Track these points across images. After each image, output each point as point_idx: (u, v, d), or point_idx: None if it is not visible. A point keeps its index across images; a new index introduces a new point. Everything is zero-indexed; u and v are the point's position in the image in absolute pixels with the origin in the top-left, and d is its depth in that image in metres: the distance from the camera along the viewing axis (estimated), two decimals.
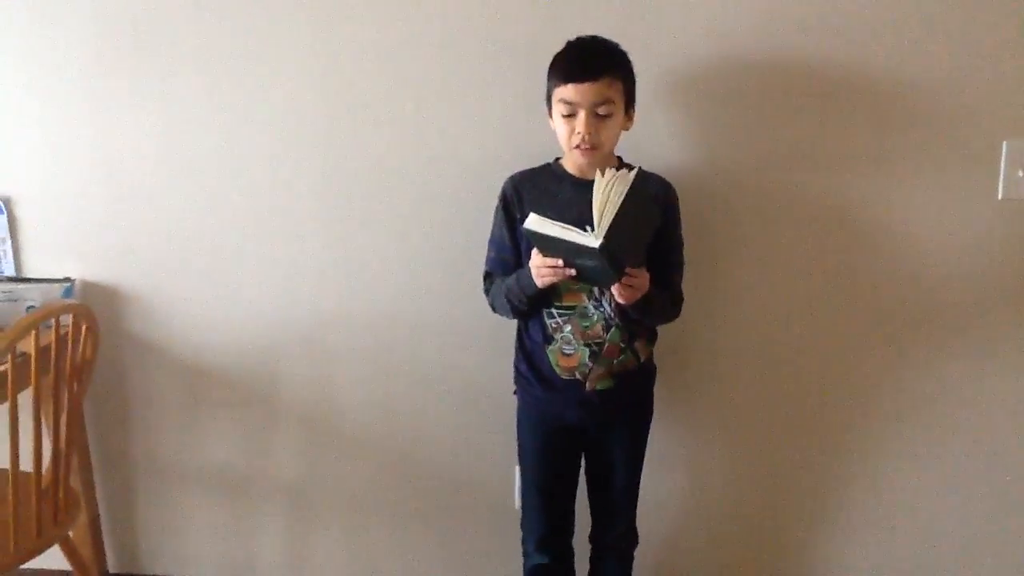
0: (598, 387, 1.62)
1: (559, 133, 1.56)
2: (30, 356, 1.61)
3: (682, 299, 1.69)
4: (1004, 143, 1.73)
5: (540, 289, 1.53)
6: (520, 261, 1.60)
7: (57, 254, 2.02)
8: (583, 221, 1.36)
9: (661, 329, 1.73)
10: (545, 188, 1.62)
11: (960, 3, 1.68)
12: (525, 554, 1.80)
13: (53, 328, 1.63)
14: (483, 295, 1.72)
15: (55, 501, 1.71)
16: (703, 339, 1.89)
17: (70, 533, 1.84)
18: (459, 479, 2.04)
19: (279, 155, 1.91)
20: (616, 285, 1.47)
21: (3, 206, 2.00)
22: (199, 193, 1.95)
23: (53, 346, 1.63)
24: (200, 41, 1.88)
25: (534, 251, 1.52)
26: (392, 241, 1.92)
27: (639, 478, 1.77)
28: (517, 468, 1.94)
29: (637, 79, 1.59)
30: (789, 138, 1.78)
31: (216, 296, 2.00)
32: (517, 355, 1.72)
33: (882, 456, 1.93)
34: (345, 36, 1.84)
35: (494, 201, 1.68)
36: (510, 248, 1.65)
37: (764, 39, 1.73)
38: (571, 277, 1.48)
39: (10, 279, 2.01)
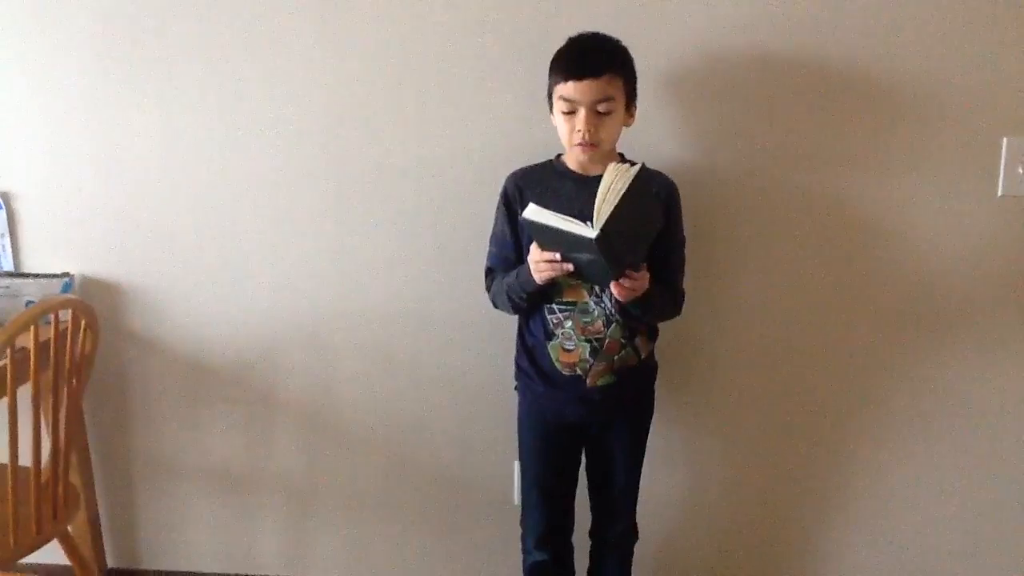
0: (599, 383, 1.62)
1: (560, 130, 1.56)
2: (29, 351, 1.60)
3: (683, 296, 1.69)
4: (1004, 140, 1.73)
5: (540, 285, 1.53)
6: (521, 257, 1.60)
7: (56, 249, 2.01)
8: (584, 217, 1.36)
9: (662, 326, 1.73)
10: (547, 185, 1.62)
11: (960, 1, 1.68)
12: (525, 550, 1.80)
13: (52, 323, 1.62)
14: (484, 291, 1.72)
15: (54, 497, 1.70)
16: (704, 336, 1.89)
17: (69, 529, 1.84)
18: (459, 475, 2.04)
19: (280, 152, 1.91)
20: (614, 283, 1.48)
21: (2, 202, 2.00)
22: (199, 189, 1.95)
23: (52, 341, 1.63)
24: (200, 38, 1.87)
25: (532, 246, 1.52)
26: (393, 237, 1.92)
27: (639, 475, 1.77)
28: (516, 464, 1.94)
29: (639, 76, 1.59)
30: (789, 136, 1.78)
31: (216, 292, 2.00)
32: (518, 351, 1.72)
33: (881, 454, 1.93)
34: (346, 32, 1.83)
35: (495, 198, 1.68)
36: (511, 244, 1.65)
37: (764, 37, 1.73)
38: (569, 273, 1.49)
39: (9, 274, 2.00)
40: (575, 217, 1.37)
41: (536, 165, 1.68)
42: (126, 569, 2.21)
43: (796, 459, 1.96)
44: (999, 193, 1.76)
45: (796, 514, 2.00)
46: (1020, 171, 1.74)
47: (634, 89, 1.58)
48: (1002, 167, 1.74)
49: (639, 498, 1.79)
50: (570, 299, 1.60)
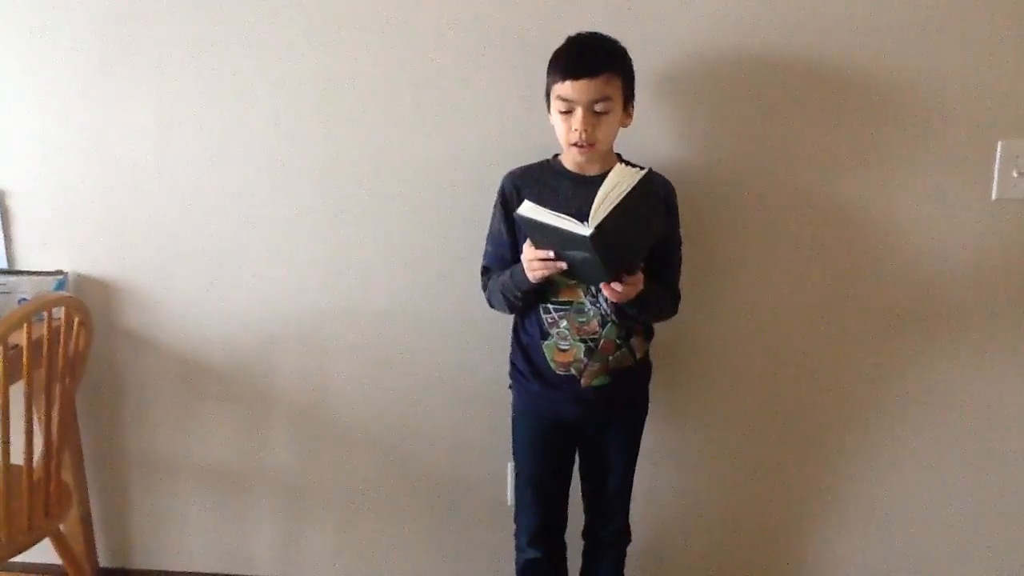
0: (594, 383, 1.62)
1: (557, 130, 1.56)
2: (22, 349, 1.60)
3: (679, 297, 1.69)
4: (999, 143, 1.74)
5: (534, 284, 1.53)
6: (517, 257, 1.60)
7: (50, 247, 2.00)
8: (581, 217, 1.36)
9: (657, 326, 1.73)
10: (544, 184, 1.61)
11: (956, 3, 1.69)
12: (518, 548, 1.80)
13: (45, 321, 1.62)
14: (479, 291, 1.72)
15: (46, 494, 1.70)
16: (699, 337, 1.90)
17: (61, 527, 1.83)
18: (453, 474, 2.04)
19: (275, 150, 1.90)
20: (604, 286, 1.48)
21: None
22: (194, 187, 1.95)
23: (45, 339, 1.62)
24: (196, 35, 1.87)
25: (526, 244, 1.52)
26: (389, 236, 1.92)
27: (633, 475, 1.77)
28: (510, 463, 1.94)
29: (636, 76, 1.59)
30: (784, 137, 1.78)
31: (210, 290, 1.99)
32: (513, 350, 1.72)
33: (875, 454, 1.94)
34: (342, 30, 1.83)
35: (492, 197, 1.68)
36: (507, 243, 1.65)
37: (761, 38, 1.73)
38: (562, 272, 1.49)
39: (2, 272, 1.99)
40: (572, 216, 1.37)
41: (533, 164, 1.67)
42: (118, 568, 2.20)
43: (790, 460, 1.96)
44: (994, 196, 1.76)
45: (789, 515, 2.00)
46: (1015, 175, 1.74)
47: (632, 89, 1.58)
48: (996, 170, 1.75)
49: (632, 498, 1.79)
50: (566, 299, 1.59)
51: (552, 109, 1.56)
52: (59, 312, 1.68)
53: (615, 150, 1.63)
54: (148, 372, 2.06)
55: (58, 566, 1.90)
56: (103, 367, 2.05)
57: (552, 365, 1.62)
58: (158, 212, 1.97)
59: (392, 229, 1.91)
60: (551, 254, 1.46)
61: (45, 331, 1.62)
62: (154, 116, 1.92)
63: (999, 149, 1.74)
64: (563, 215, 1.37)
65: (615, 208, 1.33)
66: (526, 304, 1.62)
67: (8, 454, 1.59)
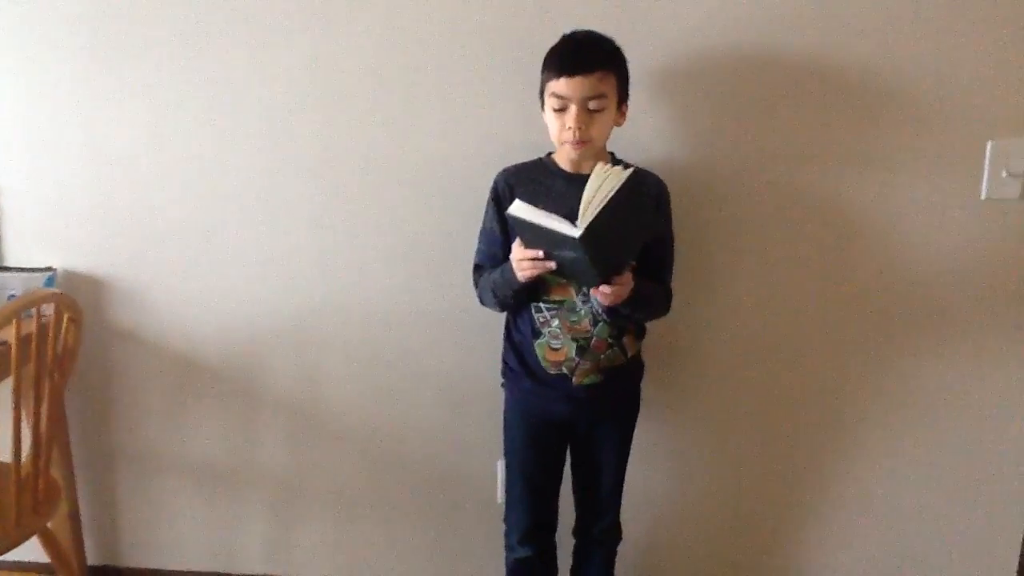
0: (585, 382, 1.62)
1: (551, 127, 1.56)
2: (11, 345, 1.59)
3: (671, 295, 1.70)
4: (988, 143, 1.75)
5: (523, 283, 1.53)
6: (509, 254, 1.60)
7: (40, 243, 1.99)
8: (574, 215, 1.36)
9: (650, 325, 1.73)
10: (537, 182, 1.61)
11: (946, 3, 1.70)
12: (508, 547, 1.80)
13: (35, 317, 1.61)
14: (471, 288, 1.72)
15: (35, 491, 1.69)
16: (691, 336, 1.90)
17: (49, 525, 1.82)
18: (444, 472, 2.04)
19: (267, 147, 1.90)
20: (595, 290, 1.48)
21: None
22: (185, 184, 1.94)
23: (34, 335, 1.61)
24: (188, 33, 1.86)
25: (515, 244, 1.52)
26: (380, 233, 1.92)
27: (624, 473, 1.77)
28: (500, 462, 1.94)
29: (631, 74, 1.59)
30: (777, 136, 1.79)
31: (201, 287, 1.99)
32: (505, 348, 1.72)
33: (867, 453, 1.95)
34: (335, 28, 1.82)
35: (485, 195, 1.68)
36: (500, 241, 1.65)
37: (754, 37, 1.74)
38: (552, 271, 1.49)
39: None
40: (564, 215, 1.37)
41: (527, 163, 1.67)
42: (107, 566, 2.19)
43: (782, 459, 1.97)
44: (983, 196, 1.77)
45: (781, 514, 2.01)
46: (1004, 175, 1.75)
47: (626, 88, 1.58)
48: (986, 170, 1.76)
49: (623, 497, 1.79)
50: (557, 297, 1.60)
51: (546, 106, 1.56)
52: (49, 308, 1.67)
53: (609, 148, 1.64)
54: (138, 369, 2.05)
55: (46, 564, 1.89)
56: (93, 364, 2.04)
57: (544, 364, 1.62)
58: (149, 209, 1.96)
59: (385, 226, 1.91)
60: (540, 254, 1.47)
61: (34, 327, 1.61)
62: (145, 113, 1.91)
63: (988, 149, 1.75)
64: (553, 215, 1.37)
65: (603, 208, 1.33)
66: (517, 303, 1.62)
67: None
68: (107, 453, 2.12)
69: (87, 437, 2.11)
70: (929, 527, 1.97)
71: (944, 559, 1.99)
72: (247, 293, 1.98)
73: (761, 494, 2.00)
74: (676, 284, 1.70)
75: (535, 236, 1.45)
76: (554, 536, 1.81)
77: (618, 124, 1.59)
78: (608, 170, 1.37)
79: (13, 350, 1.58)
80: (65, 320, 1.69)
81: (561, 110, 1.52)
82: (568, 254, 1.41)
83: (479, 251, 1.70)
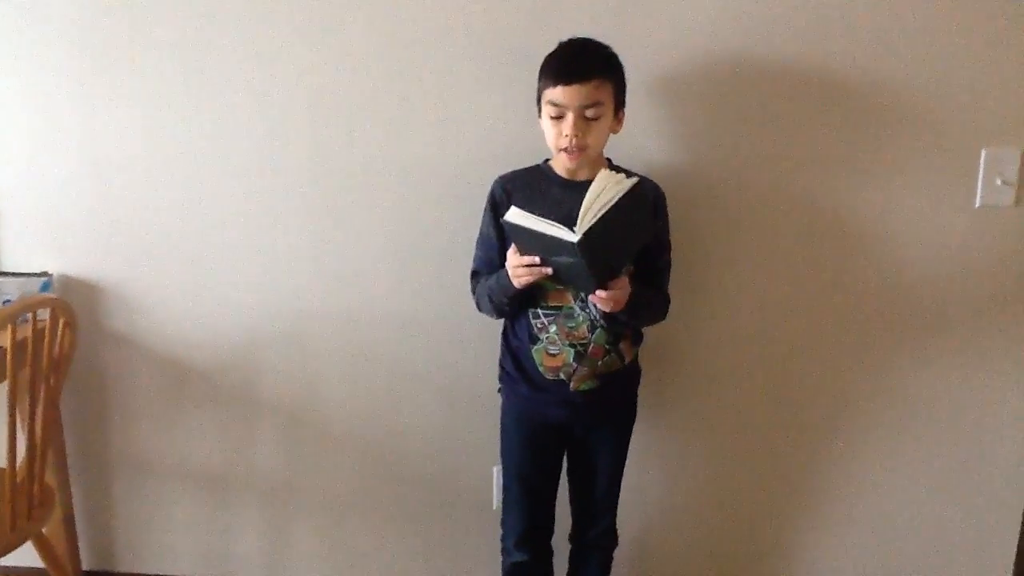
0: (582, 388, 1.62)
1: (547, 134, 1.57)
2: (6, 350, 1.59)
3: (669, 300, 1.70)
4: (983, 151, 1.76)
5: (519, 289, 1.54)
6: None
7: (36, 248, 1.99)
8: (571, 221, 1.36)
9: (647, 331, 1.74)
10: (534, 189, 1.62)
11: (942, 12, 1.71)
12: (505, 552, 1.80)
13: (30, 322, 1.61)
14: (467, 294, 1.72)
15: (29, 496, 1.68)
16: (688, 341, 1.90)
17: (44, 530, 1.81)
18: (440, 477, 2.04)
19: (263, 152, 1.90)
20: (593, 296, 1.48)
21: None
22: (181, 189, 1.94)
23: (30, 340, 1.61)
24: (184, 36, 1.86)
25: (510, 250, 1.52)
26: (377, 239, 1.92)
27: (621, 478, 1.78)
28: (496, 467, 1.94)
29: (628, 81, 1.59)
30: (774, 142, 1.79)
31: (197, 292, 1.98)
32: (503, 353, 1.72)
33: (860, 457, 1.95)
34: (332, 32, 1.82)
35: (481, 200, 1.68)
36: (497, 248, 1.65)
37: (750, 45, 1.75)
38: (548, 277, 1.49)
39: None
40: (561, 221, 1.37)
41: (524, 169, 1.68)
42: (101, 571, 2.18)
43: (778, 464, 1.98)
44: (977, 204, 1.78)
45: (777, 519, 2.01)
46: (998, 182, 1.76)
47: (623, 95, 1.58)
48: (980, 178, 1.77)
49: (619, 502, 1.79)
50: (555, 304, 1.60)
51: (543, 114, 1.57)
52: (44, 313, 1.67)
53: (606, 155, 1.64)
54: (133, 374, 2.05)
55: (41, 569, 1.89)
56: (88, 369, 2.04)
57: (541, 369, 1.63)
58: (144, 214, 1.96)
59: (380, 232, 1.91)
60: (536, 260, 1.47)
61: (30, 332, 1.61)
62: (141, 118, 1.91)
63: (983, 157, 1.76)
64: (550, 221, 1.37)
65: (603, 216, 1.34)
66: (513, 309, 1.62)
67: None
68: (102, 458, 2.11)
69: (82, 442, 2.10)
70: (926, 530, 1.98)
71: (941, 562, 1.99)
72: (243, 298, 1.98)
73: (757, 498, 2.00)
74: (673, 289, 1.71)
75: (531, 242, 1.45)
76: (550, 541, 1.81)
77: (615, 131, 1.59)
78: (611, 177, 1.38)
79: (9, 355, 1.58)
80: (61, 325, 1.69)
81: (558, 118, 1.52)
82: (565, 259, 1.41)
83: (476, 258, 1.71)
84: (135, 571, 2.18)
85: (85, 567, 2.18)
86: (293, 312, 1.98)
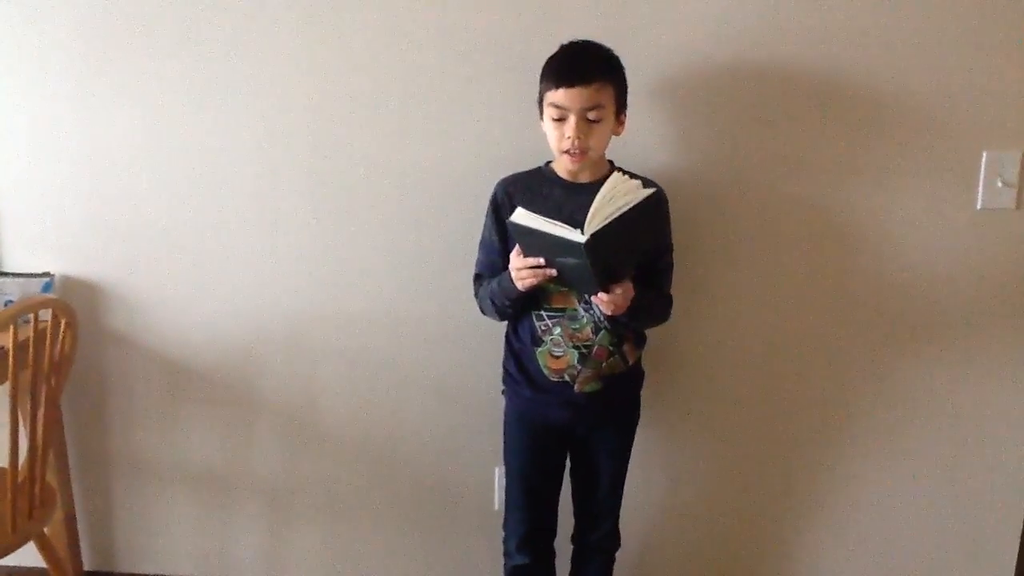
0: (587, 389, 1.62)
1: (549, 137, 1.57)
2: (8, 351, 1.59)
3: (671, 302, 1.70)
4: (983, 154, 1.76)
5: (522, 292, 1.54)
6: (509, 264, 1.61)
7: (37, 249, 1.99)
8: (573, 224, 1.37)
9: (650, 333, 1.74)
10: (536, 191, 1.62)
11: (943, 16, 1.71)
12: (506, 554, 1.80)
13: (32, 323, 1.61)
14: (469, 295, 1.72)
15: (31, 497, 1.68)
16: (691, 344, 1.91)
17: (45, 530, 1.81)
18: (441, 479, 2.04)
19: (263, 153, 1.90)
20: (596, 298, 1.48)
21: None
22: (182, 190, 1.94)
23: (31, 341, 1.61)
24: (185, 38, 1.86)
25: (513, 253, 1.52)
26: (378, 240, 1.92)
27: (623, 480, 1.78)
28: (497, 469, 1.94)
29: (629, 84, 1.59)
30: (776, 145, 1.79)
31: (197, 293, 1.99)
32: (506, 355, 1.72)
33: (862, 459, 1.95)
34: (332, 34, 1.83)
35: (483, 202, 1.68)
36: (499, 251, 1.65)
37: (752, 48, 1.75)
38: (552, 279, 1.49)
39: None
40: (563, 223, 1.37)
41: (525, 172, 1.68)
42: (102, 571, 2.19)
43: (781, 468, 1.98)
44: (978, 206, 1.78)
45: (779, 522, 2.01)
46: (999, 185, 1.76)
47: (624, 98, 1.59)
48: (981, 180, 1.77)
49: (622, 504, 1.79)
50: (559, 306, 1.60)
51: (544, 116, 1.57)
52: (46, 314, 1.67)
53: (608, 157, 1.64)
54: (134, 374, 2.05)
55: (42, 569, 1.89)
56: (89, 369, 2.04)
57: (545, 371, 1.63)
58: (145, 215, 1.96)
59: (382, 233, 1.91)
60: (541, 261, 1.47)
61: (31, 333, 1.61)
62: (142, 119, 1.91)
63: (984, 159, 1.76)
64: (556, 222, 1.38)
65: (614, 220, 1.34)
66: (516, 311, 1.62)
67: None
68: (103, 458, 2.11)
69: (83, 442, 2.10)
70: (927, 533, 1.98)
71: (942, 564, 1.99)
72: (243, 299, 1.98)
73: (759, 500, 2.00)
74: (677, 292, 1.71)
75: (536, 243, 1.45)
76: (552, 543, 1.81)
77: (616, 134, 1.59)
78: (626, 183, 1.38)
79: (10, 355, 1.58)
80: (62, 326, 1.69)
81: (560, 120, 1.53)
82: (569, 261, 1.41)
83: (478, 261, 1.71)
84: (136, 571, 2.18)
85: (86, 567, 2.18)
86: (293, 313, 1.98)
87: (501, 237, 1.64)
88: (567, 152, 1.53)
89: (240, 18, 1.84)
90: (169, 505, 2.13)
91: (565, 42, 1.58)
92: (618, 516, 1.80)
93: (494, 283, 1.61)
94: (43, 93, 1.92)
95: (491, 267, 1.67)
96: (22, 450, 1.67)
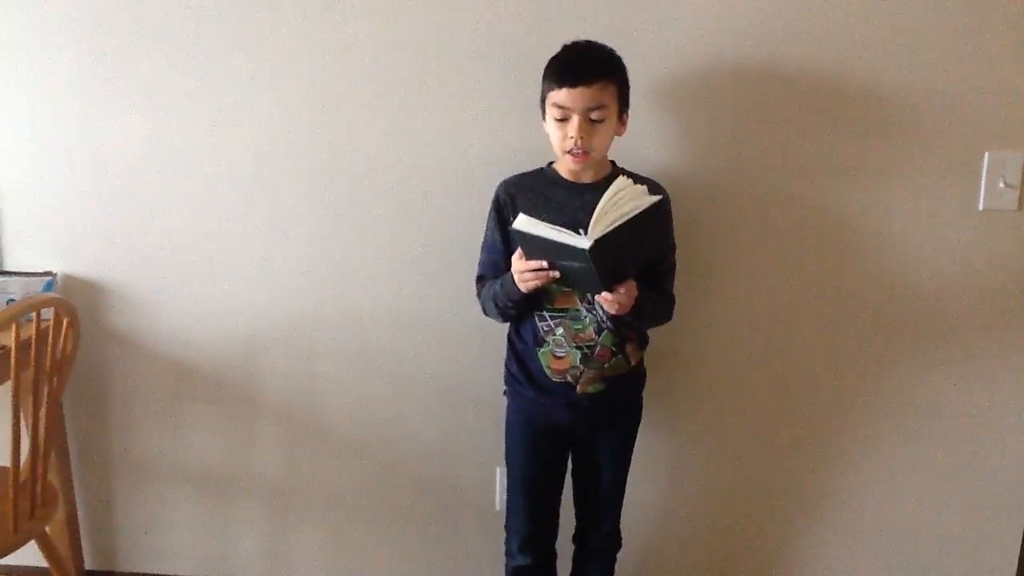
0: (589, 390, 1.62)
1: (552, 137, 1.57)
2: (10, 350, 1.59)
3: (674, 302, 1.70)
4: (985, 154, 1.76)
5: (525, 294, 1.54)
6: (511, 265, 1.61)
7: (39, 248, 1.99)
8: (576, 224, 1.37)
9: (652, 333, 1.74)
10: (539, 192, 1.62)
11: (945, 16, 1.71)
12: (508, 554, 1.80)
13: (34, 322, 1.61)
14: (470, 296, 1.72)
15: (32, 496, 1.68)
16: (693, 344, 1.91)
17: (47, 529, 1.82)
18: (442, 479, 2.04)
19: (265, 153, 1.90)
20: (600, 297, 1.48)
21: None
22: (184, 189, 1.94)
23: (33, 340, 1.61)
24: (189, 38, 1.86)
25: (514, 256, 1.52)
26: (380, 241, 1.92)
27: (625, 481, 1.78)
28: (499, 470, 1.94)
29: (632, 84, 1.59)
30: (778, 146, 1.79)
31: (199, 293, 1.99)
32: (508, 356, 1.72)
33: (864, 460, 1.95)
34: (335, 34, 1.83)
35: (485, 202, 1.68)
36: (502, 251, 1.65)
37: (754, 49, 1.75)
38: (555, 280, 1.49)
39: None
40: (567, 224, 1.37)
41: (528, 172, 1.68)
42: (104, 571, 2.19)
43: (782, 468, 1.98)
44: (980, 207, 1.78)
45: (781, 524, 2.01)
46: (1001, 185, 1.76)
47: (627, 98, 1.59)
48: (983, 181, 1.77)
49: (623, 504, 1.79)
50: (562, 306, 1.60)
51: (547, 116, 1.57)
52: (48, 313, 1.67)
53: (610, 157, 1.64)
54: (136, 374, 2.05)
55: (44, 568, 1.89)
56: (91, 369, 2.04)
57: (548, 372, 1.63)
58: (147, 214, 1.96)
59: (383, 233, 1.91)
60: (544, 264, 1.47)
61: (33, 332, 1.61)
62: (144, 118, 1.91)
63: (986, 160, 1.76)
64: (559, 228, 1.37)
65: (619, 226, 1.34)
66: (518, 313, 1.62)
67: None
68: (104, 458, 2.11)
69: (85, 442, 2.10)
70: (929, 535, 1.98)
71: (944, 566, 1.99)
72: (246, 299, 1.98)
73: (761, 502, 2.00)
74: (679, 293, 1.71)
75: (539, 248, 1.45)
76: (554, 543, 1.81)
77: (619, 134, 1.59)
78: (632, 188, 1.38)
79: (12, 354, 1.58)
80: (64, 325, 1.69)
81: (563, 120, 1.53)
82: (573, 264, 1.41)
83: (481, 262, 1.71)
84: (137, 570, 2.18)
85: (88, 567, 2.18)
86: (296, 314, 1.98)
87: (503, 238, 1.64)
88: (570, 152, 1.53)
89: (242, 18, 1.84)
90: (170, 505, 2.13)
91: (567, 42, 1.58)
92: (619, 516, 1.80)
93: (496, 284, 1.61)
94: (46, 92, 1.92)
95: (494, 268, 1.67)
96: (24, 449, 1.67)
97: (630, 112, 1.61)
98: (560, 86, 1.51)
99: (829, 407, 1.93)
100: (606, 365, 1.61)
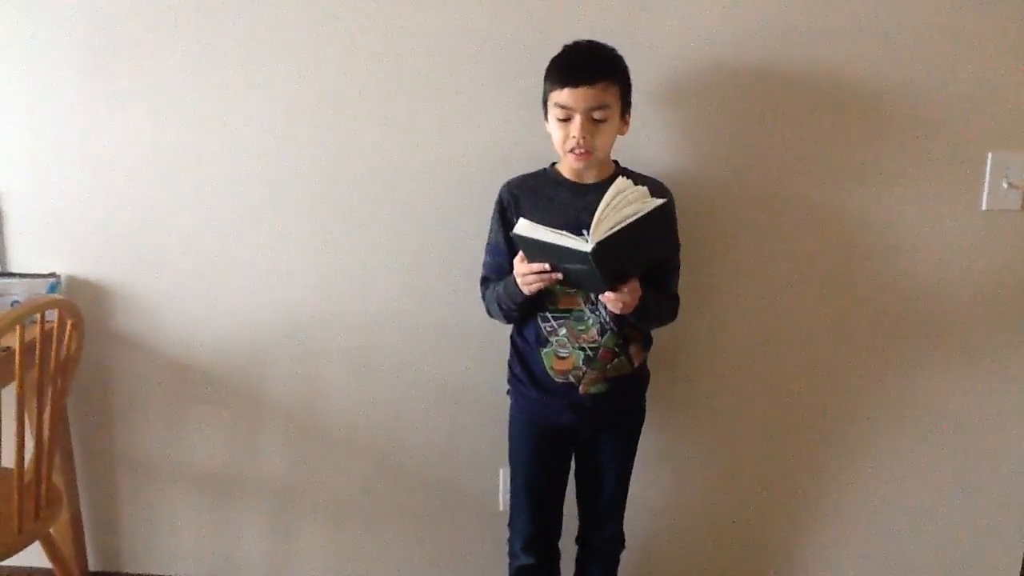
0: (592, 391, 1.62)
1: (554, 137, 1.57)
2: (14, 351, 1.59)
3: (678, 301, 1.70)
4: (989, 154, 1.76)
5: (528, 296, 1.54)
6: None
7: (43, 249, 1.99)
8: (579, 225, 1.37)
9: (655, 334, 1.74)
10: (541, 193, 1.62)
11: (948, 16, 1.71)
12: (511, 554, 1.80)
13: (38, 324, 1.61)
14: (474, 296, 1.72)
15: (37, 497, 1.69)
16: (696, 345, 1.91)
17: (51, 530, 1.82)
18: (446, 479, 2.04)
19: (269, 154, 1.90)
20: (604, 296, 1.48)
21: None
22: (188, 191, 1.94)
23: (38, 342, 1.62)
24: (191, 39, 1.86)
25: (516, 259, 1.52)
26: (383, 242, 1.92)
27: (628, 482, 1.78)
28: (502, 470, 1.94)
29: (635, 84, 1.59)
30: (781, 146, 1.79)
31: (203, 294, 1.99)
32: (511, 356, 1.72)
33: (866, 462, 1.95)
34: (338, 35, 1.83)
35: (488, 202, 1.68)
36: (506, 253, 1.64)
37: (756, 48, 1.75)
38: (558, 281, 1.49)
39: None
40: (569, 225, 1.37)
41: (530, 173, 1.68)
42: (108, 572, 2.19)
43: (785, 469, 1.98)
44: (983, 207, 1.78)
45: (784, 524, 2.01)
46: (1004, 186, 1.76)
47: (629, 98, 1.58)
48: (986, 182, 1.77)
49: (627, 505, 1.79)
50: (565, 307, 1.60)
51: (549, 116, 1.57)
52: (52, 315, 1.67)
53: (613, 157, 1.64)
54: (140, 375, 2.05)
55: (48, 569, 1.89)
56: (95, 370, 2.04)
57: (551, 373, 1.63)
58: (151, 216, 1.96)
59: (387, 235, 1.91)
60: (547, 266, 1.47)
61: (38, 334, 1.61)
62: (148, 119, 1.91)
63: (989, 160, 1.76)
64: (561, 231, 1.37)
65: (621, 230, 1.33)
66: (522, 314, 1.62)
67: None
68: (108, 459, 2.12)
69: (89, 443, 2.11)
70: (933, 535, 1.98)
71: (947, 567, 1.99)
72: (249, 300, 1.98)
73: (764, 503, 2.00)
74: (682, 293, 1.71)
75: (541, 252, 1.45)
76: (557, 544, 1.81)
77: (621, 133, 1.59)
78: (634, 190, 1.37)
79: (17, 356, 1.58)
80: (68, 326, 1.69)
81: (565, 120, 1.53)
82: (576, 266, 1.41)
83: (485, 264, 1.70)
84: (141, 572, 2.19)
85: (92, 568, 2.18)
86: (299, 314, 1.98)
87: (507, 240, 1.64)
88: (572, 151, 1.53)
89: (245, 20, 1.84)
90: (175, 506, 2.13)
91: (569, 42, 1.58)
92: (623, 517, 1.80)
93: (500, 287, 1.61)
94: (49, 94, 1.92)
95: (498, 270, 1.67)
96: (28, 451, 1.67)
97: (632, 111, 1.60)
98: (562, 86, 1.51)
99: (832, 408, 1.93)
100: (609, 366, 1.61)
